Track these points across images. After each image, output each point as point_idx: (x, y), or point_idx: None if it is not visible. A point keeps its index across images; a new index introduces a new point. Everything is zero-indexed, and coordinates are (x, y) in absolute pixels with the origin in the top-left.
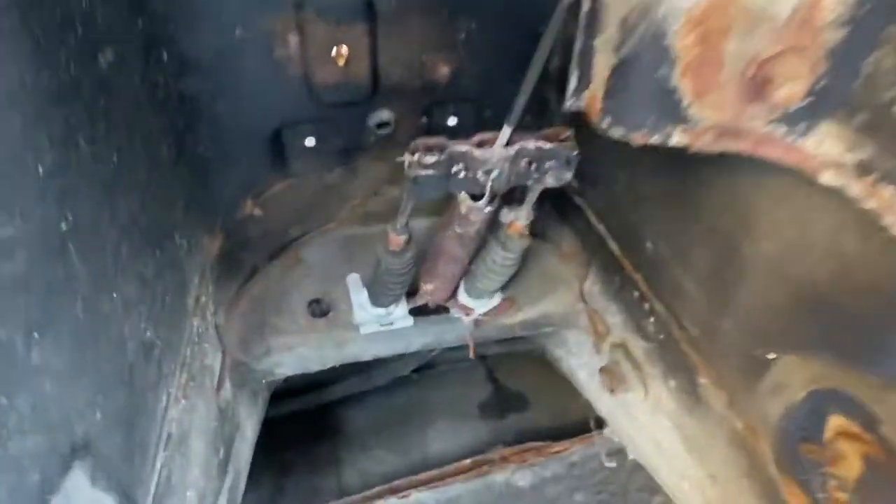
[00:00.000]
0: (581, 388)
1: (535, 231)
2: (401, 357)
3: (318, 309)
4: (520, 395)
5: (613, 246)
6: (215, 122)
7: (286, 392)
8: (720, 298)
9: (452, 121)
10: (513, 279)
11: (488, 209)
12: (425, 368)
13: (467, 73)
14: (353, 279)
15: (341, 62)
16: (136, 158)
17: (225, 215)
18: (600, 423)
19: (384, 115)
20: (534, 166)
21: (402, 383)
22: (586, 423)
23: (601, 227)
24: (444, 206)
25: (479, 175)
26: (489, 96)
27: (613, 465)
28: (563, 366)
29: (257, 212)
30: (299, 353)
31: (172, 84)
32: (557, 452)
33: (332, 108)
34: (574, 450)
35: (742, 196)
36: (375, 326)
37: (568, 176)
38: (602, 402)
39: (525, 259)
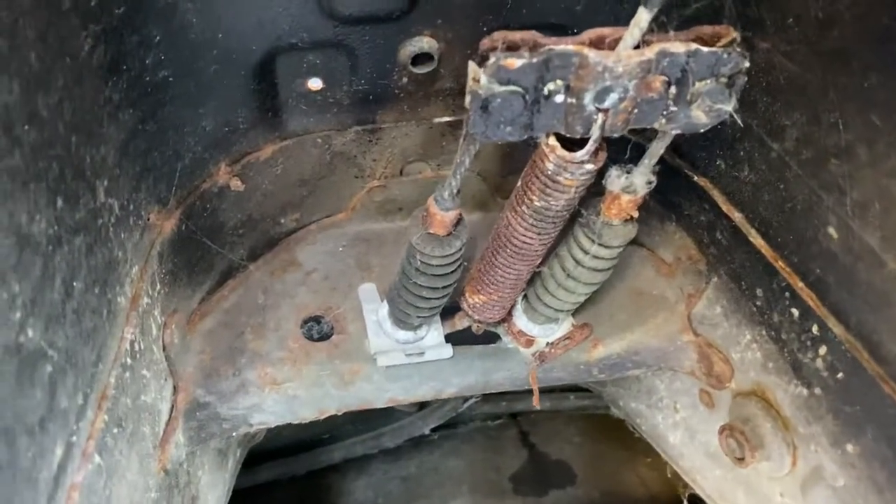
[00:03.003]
0: (671, 455)
1: None
2: (422, 406)
3: (318, 330)
4: (563, 465)
5: (759, 242)
6: (175, 25)
7: (265, 453)
8: None
9: None
10: (590, 298)
11: (591, 165)
12: (444, 427)
13: None
14: (368, 290)
15: None
16: (18, 26)
17: (186, 181)
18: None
19: (424, 43)
20: (673, 89)
21: (416, 444)
22: (656, 502)
23: (738, 216)
24: (492, 198)
25: (587, 101)
26: (583, 19)
27: None
28: (642, 424)
29: (235, 184)
30: (288, 392)
31: None
32: None
33: (351, 28)
34: None
35: None
36: (398, 357)
37: (727, 108)
38: (707, 474)
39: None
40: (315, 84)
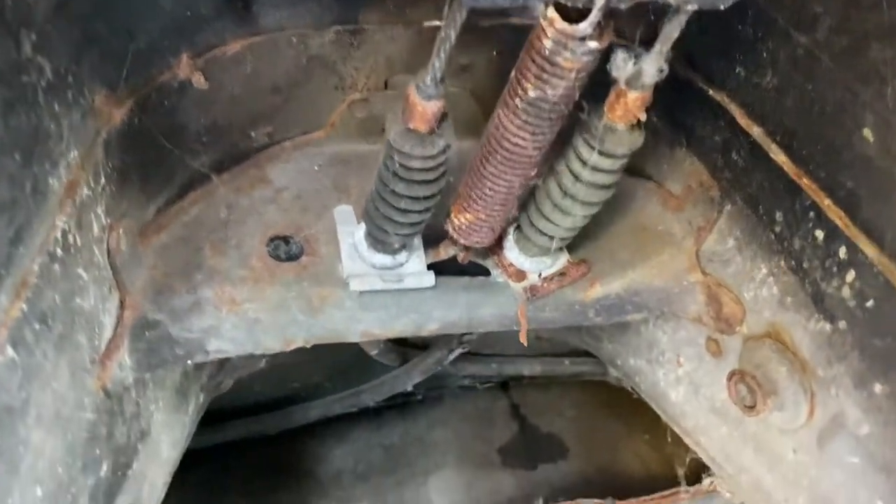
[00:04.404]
0: (671, 415)
1: None
2: (403, 360)
3: (285, 250)
4: (554, 439)
5: (781, 157)
6: None
7: (235, 410)
8: None
9: None
10: (587, 232)
11: (594, 44)
12: (429, 390)
13: None
14: (344, 212)
15: None
16: None
17: (140, 67)
18: (696, 477)
19: None
20: None
21: (399, 412)
22: (654, 481)
23: (757, 130)
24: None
25: None
26: None
27: None
28: (641, 382)
29: (198, 80)
30: (249, 315)
31: None
32: None
33: None
34: None
35: None
36: (374, 282)
37: None
38: (712, 433)
39: (608, 202)
40: None
